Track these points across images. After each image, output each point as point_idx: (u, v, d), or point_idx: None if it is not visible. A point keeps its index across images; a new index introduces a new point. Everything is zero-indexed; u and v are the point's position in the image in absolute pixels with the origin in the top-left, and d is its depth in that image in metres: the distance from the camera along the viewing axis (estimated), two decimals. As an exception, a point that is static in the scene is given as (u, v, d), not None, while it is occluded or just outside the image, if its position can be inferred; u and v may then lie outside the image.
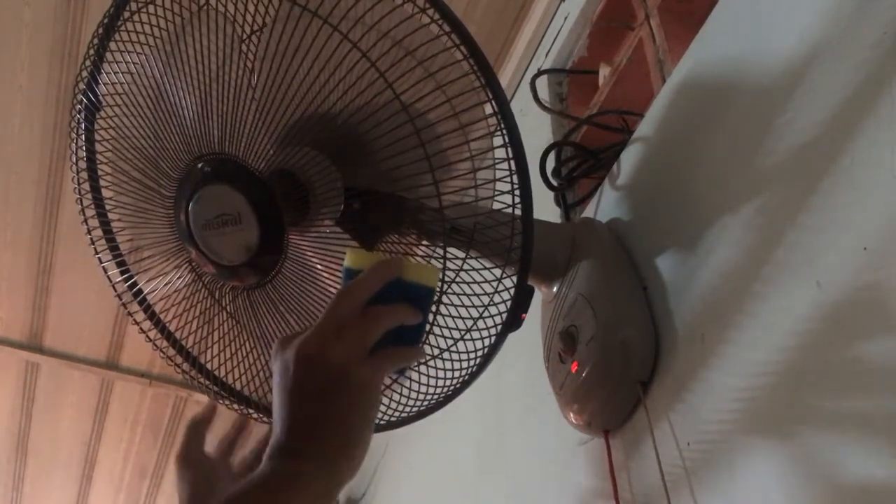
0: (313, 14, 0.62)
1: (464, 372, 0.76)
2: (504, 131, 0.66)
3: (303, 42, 0.63)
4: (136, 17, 0.72)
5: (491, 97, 0.65)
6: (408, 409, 0.79)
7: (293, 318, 0.76)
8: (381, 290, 0.57)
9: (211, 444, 0.80)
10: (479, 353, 0.75)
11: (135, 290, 0.83)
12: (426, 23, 0.63)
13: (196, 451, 0.78)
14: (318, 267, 0.74)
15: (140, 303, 0.83)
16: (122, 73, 0.74)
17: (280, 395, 0.54)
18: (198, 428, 0.79)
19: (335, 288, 0.73)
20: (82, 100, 0.77)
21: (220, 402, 0.83)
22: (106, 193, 0.81)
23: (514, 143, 0.66)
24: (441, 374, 0.76)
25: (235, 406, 0.83)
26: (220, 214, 0.68)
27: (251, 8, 0.67)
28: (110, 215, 0.83)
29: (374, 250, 0.74)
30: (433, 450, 1.40)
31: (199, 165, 0.70)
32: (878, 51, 0.60)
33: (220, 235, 0.68)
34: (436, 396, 0.78)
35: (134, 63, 0.73)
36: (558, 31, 1.34)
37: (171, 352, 0.84)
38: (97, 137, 0.79)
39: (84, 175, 0.80)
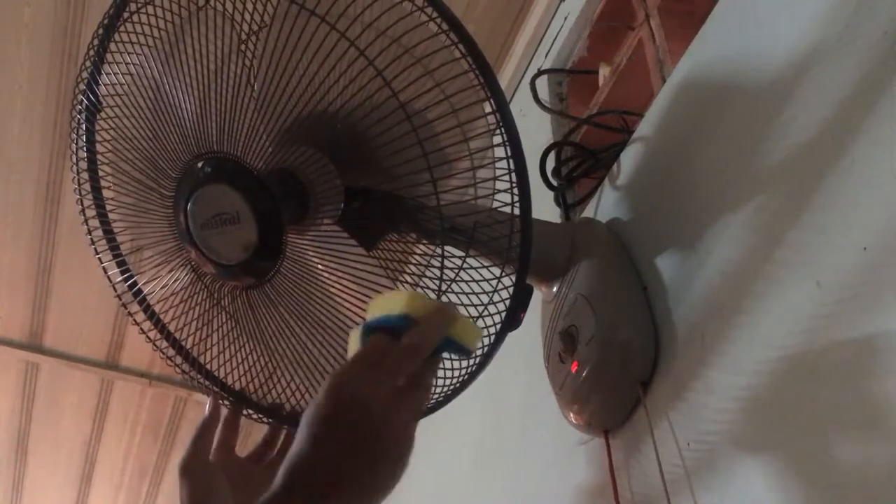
0: (311, 12, 0.62)
1: (463, 371, 0.76)
2: (503, 129, 0.66)
3: (301, 40, 0.63)
4: (135, 18, 0.72)
5: (489, 95, 0.65)
6: (407, 408, 0.79)
7: (292, 319, 0.76)
8: None
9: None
10: (479, 352, 0.75)
11: (135, 290, 0.83)
12: (424, 20, 0.63)
13: (199, 458, 0.77)
14: (318, 267, 0.74)
15: (140, 303, 0.83)
16: (122, 73, 0.74)
17: (323, 428, 0.51)
18: (204, 434, 0.79)
19: (335, 288, 0.72)
20: (82, 100, 0.77)
21: (222, 402, 0.83)
22: (106, 194, 0.81)
23: (513, 141, 0.66)
24: (440, 373, 0.76)
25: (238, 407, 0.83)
26: (218, 214, 0.68)
27: (250, 7, 0.67)
28: (111, 215, 0.82)
29: (374, 250, 0.74)
30: (432, 450, 1.40)
31: (198, 165, 0.70)
32: (878, 51, 0.60)
33: (218, 235, 0.68)
34: (435, 396, 0.78)
35: (133, 63, 0.73)
36: (558, 31, 1.34)
37: (171, 352, 0.84)
38: (97, 138, 0.79)
39: (85, 175, 0.80)
